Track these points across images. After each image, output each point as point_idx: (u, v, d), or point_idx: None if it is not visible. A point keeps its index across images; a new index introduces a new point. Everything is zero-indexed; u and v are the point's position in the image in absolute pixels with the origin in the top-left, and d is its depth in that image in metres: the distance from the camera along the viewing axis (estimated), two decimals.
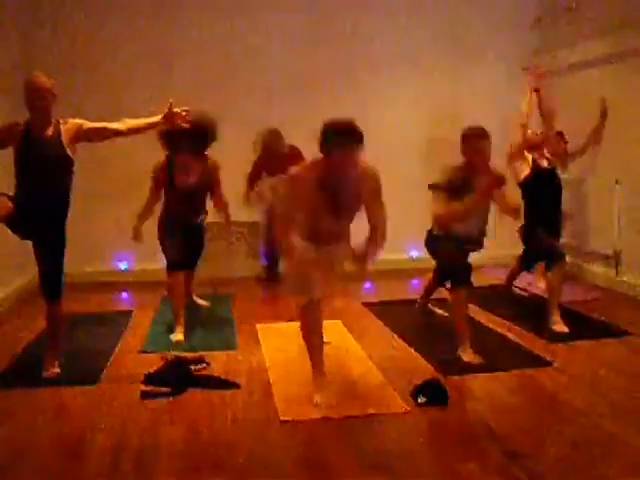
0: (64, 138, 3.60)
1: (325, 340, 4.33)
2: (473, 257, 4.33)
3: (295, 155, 5.94)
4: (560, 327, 4.50)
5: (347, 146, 3.23)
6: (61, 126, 3.62)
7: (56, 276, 3.74)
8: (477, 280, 5.62)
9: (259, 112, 6.56)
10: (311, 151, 6.76)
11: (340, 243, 3.55)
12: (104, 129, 3.71)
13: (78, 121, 3.69)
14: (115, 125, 3.72)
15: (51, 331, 3.84)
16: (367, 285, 6.42)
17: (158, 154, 6.36)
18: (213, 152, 5.55)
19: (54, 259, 3.71)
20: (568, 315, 4.78)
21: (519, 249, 5.28)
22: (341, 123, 3.31)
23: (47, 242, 3.69)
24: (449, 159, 6.84)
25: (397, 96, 6.83)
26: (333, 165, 3.26)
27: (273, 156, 5.79)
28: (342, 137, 3.24)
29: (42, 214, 3.61)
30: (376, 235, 3.50)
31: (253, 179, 5.95)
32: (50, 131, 3.59)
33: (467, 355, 3.93)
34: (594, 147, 5.30)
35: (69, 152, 3.62)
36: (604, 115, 5.09)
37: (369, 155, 7.19)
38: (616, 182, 5.72)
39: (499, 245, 5.69)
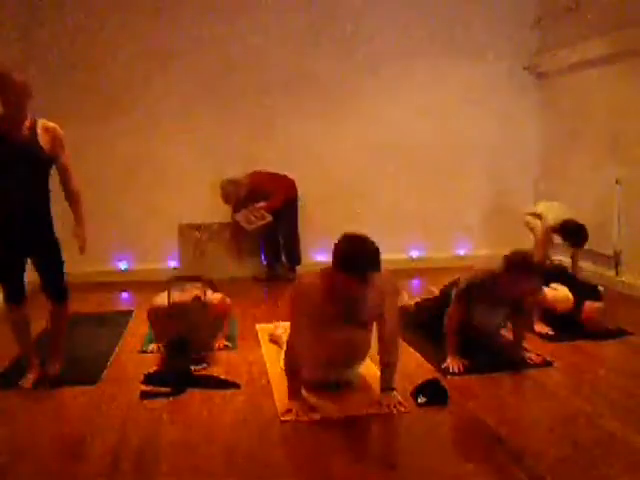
0: (40, 137, 3.40)
1: None
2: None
3: (255, 181, 6.32)
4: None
5: (363, 274, 2.95)
6: (39, 123, 3.42)
7: (60, 280, 3.67)
8: None
9: (259, 112, 6.58)
10: (314, 150, 6.81)
11: (354, 362, 3.50)
12: (66, 174, 3.54)
13: (59, 133, 3.48)
14: (69, 184, 3.56)
15: (56, 331, 3.78)
16: None
17: (157, 157, 6.41)
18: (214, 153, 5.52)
19: (54, 267, 3.63)
20: (568, 315, 4.78)
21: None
22: (359, 245, 2.99)
23: (42, 252, 3.58)
24: (448, 160, 6.92)
25: (396, 96, 6.82)
26: (345, 285, 3.02)
27: (237, 199, 6.33)
28: (359, 263, 2.94)
29: (26, 222, 3.45)
30: (388, 370, 3.33)
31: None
32: (25, 129, 3.37)
33: None
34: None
35: (45, 149, 3.41)
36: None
37: (369, 156, 7.18)
38: (616, 182, 5.72)
39: (498, 245, 5.71)
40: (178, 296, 4.03)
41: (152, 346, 4.24)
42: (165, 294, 4.08)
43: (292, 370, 3.30)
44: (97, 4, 6.32)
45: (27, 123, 3.39)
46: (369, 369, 3.75)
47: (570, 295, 4.58)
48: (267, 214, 6.26)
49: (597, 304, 4.53)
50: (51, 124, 3.47)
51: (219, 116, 6.52)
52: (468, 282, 3.88)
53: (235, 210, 6.40)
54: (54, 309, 3.71)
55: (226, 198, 6.31)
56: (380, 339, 3.33)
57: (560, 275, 4.87)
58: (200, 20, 6.43)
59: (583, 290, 4.66)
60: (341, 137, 6.75)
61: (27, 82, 3.34)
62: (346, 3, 6.68)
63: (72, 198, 3.63)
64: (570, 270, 5.45)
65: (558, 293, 4.62)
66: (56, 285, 3.66)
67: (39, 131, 3.41)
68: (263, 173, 6.36)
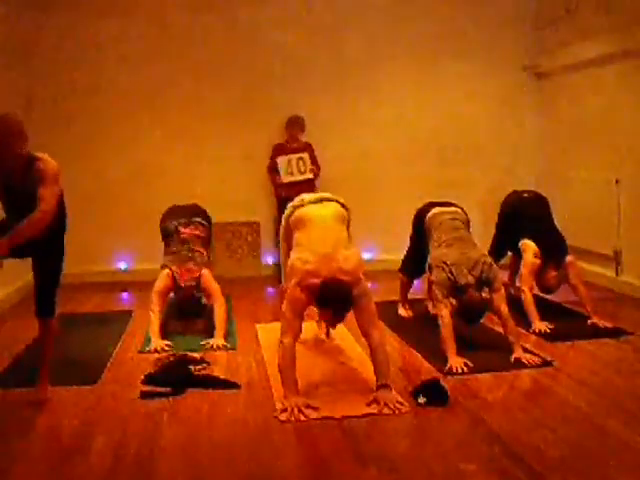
0: (32, 180, 3.12)
1: (323, 337, 4.40)
2: None
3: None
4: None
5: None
6: (34, 163, 3.15)
7: (50, 292, 3.44)
8: None
9: (258, 113, 6.59)
10: (322, 146, 6.75)
11: None
12: (40, 203, 3.15)
13: (43, 170, 3.16)
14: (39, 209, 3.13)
15: (45, 350, 3.51)
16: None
17: (157, 157, 6.41)
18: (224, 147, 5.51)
19: (48, 274, 3.42)
20: (568, 315, 4.79)
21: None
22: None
23: (42, 258, 3.40)
24: (448, 160, 6.92)
25: (396, 96, 6.82)
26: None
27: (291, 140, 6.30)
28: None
29: (30, 249, 3.26)
30: (381, 364, 3.41)
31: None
32: (19, 173, 3.15)
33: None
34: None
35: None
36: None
37: (368, 156, 7.14)
38: (616, 182, 5.71)
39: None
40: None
41: (154, 343, 4.24)
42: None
43: (286, 366, 3.31)
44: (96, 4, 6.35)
45: (22, 166, 3.15)
46: (366, 368, 3.76)
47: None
48: (312, 170, 6.18)
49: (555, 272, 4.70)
50: (42, 164, 3.17)
51: (220, 116, 6.53)
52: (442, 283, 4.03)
53: (276, 154, 6.27)
54: (41, 326, 3.48)
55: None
56: (362, 334, 3.46)
57: None
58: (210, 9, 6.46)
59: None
60: (341, 137, 6.75)
61: (13, 120, 3.13)
62: (348, 5, 6.70)
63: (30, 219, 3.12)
64: None
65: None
66: (44, 297, 3.43)
67: (32, 172, 3.14)
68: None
